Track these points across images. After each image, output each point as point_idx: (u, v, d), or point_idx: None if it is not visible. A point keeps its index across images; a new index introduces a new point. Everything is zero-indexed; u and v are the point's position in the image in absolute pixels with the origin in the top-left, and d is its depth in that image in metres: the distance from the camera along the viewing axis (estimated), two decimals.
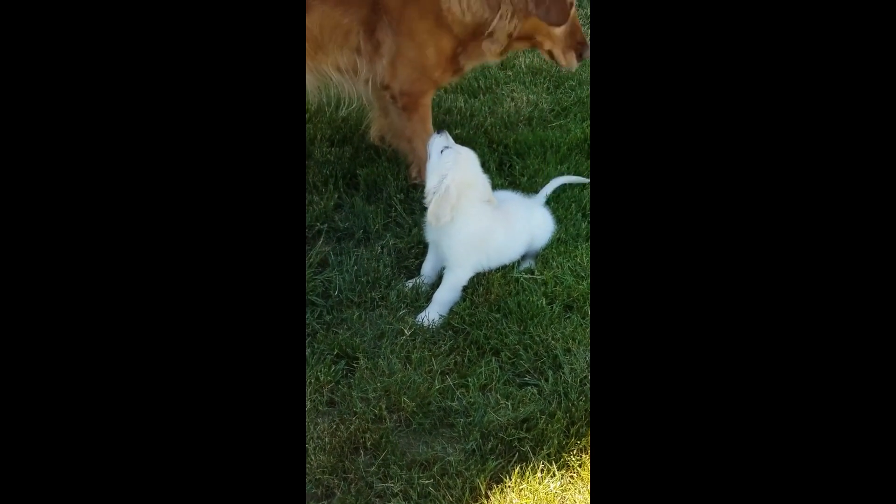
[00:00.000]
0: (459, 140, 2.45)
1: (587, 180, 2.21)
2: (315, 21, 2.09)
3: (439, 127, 2.02)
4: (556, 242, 2.02)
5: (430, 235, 1.90)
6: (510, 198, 2.03)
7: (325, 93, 2.28)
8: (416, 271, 1.97)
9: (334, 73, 2.19)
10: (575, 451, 1.49)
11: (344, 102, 2.30)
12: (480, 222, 1.84)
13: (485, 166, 2.07)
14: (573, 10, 2.14)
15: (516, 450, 1.50)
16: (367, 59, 2.16)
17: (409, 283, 1.91)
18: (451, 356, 1.70)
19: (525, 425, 1.54)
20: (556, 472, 1.45)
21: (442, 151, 1.86)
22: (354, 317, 1.80)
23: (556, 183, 2.18)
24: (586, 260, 1.95)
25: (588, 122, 2.56)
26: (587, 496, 1.41)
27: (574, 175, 2.25)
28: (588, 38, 2.24)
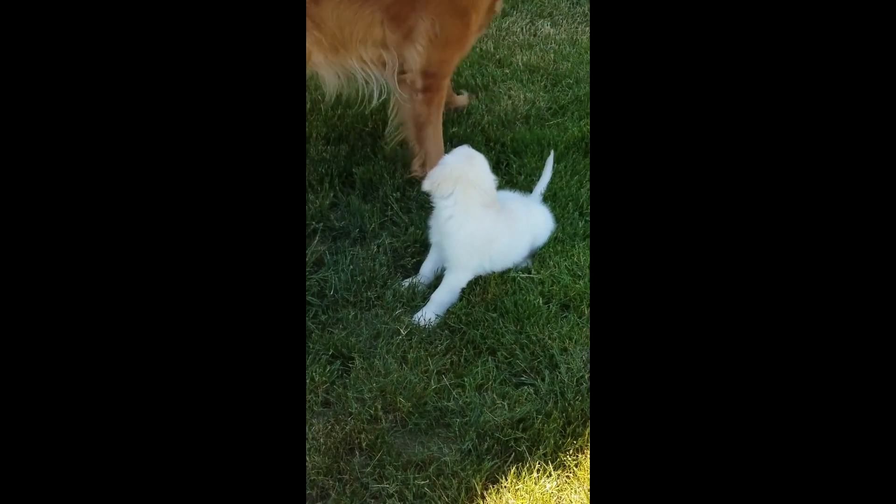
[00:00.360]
0: (456, 138, 2.45)
1: (550, 165, 2.18)
2: (330, 14, 2.03)
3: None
4: (553, 241, 2.01)
5: (434, 236, 1.90)
6: (510, 197, 2.02)
7: (350, 87, 2.23)
8: (413, 270, 1.96)
9: (358, 64, 2.15)
10: (571, 451, 1.49)
11: (372, 96, 2.25)
12: (483, 224, 1.84)
13: None
14: None
15: (512, 450, 1.49)
16: (393, 49, 2.10)
17: (406, 283, 1.91)
18: (448, 356, 1.70)
19: (521, 425, 1.53)
20: (553, 472, 1.45)
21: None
22: (350, 316, 1.79)
23: (546, 177, 2.16)
24: (583, 259, 1.94)
25: (585, 120, 2.55)
26: (583, 496, 1.41)
27: (549, 166, 2.22)
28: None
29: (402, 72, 2.13)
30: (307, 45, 2.06)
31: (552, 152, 2.21)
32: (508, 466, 1.46)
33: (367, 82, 2.19)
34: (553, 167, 2.19)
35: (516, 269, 1.93)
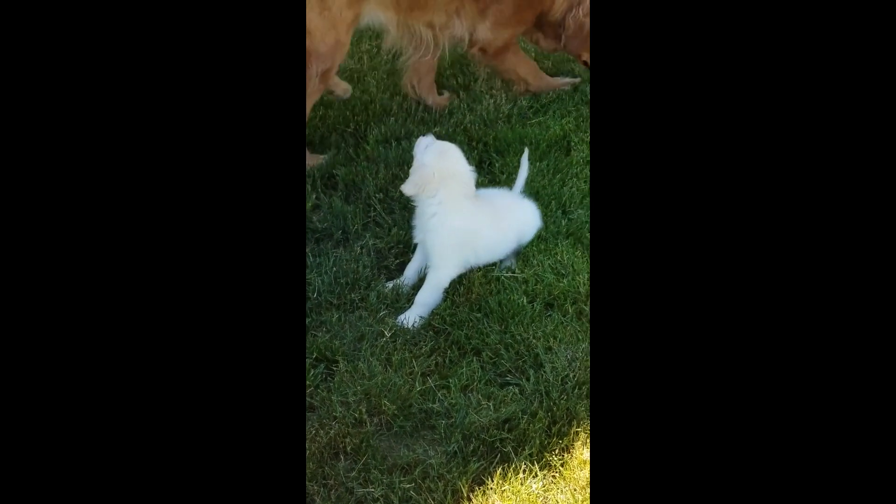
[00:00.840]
0: (438, 138, 2.44)
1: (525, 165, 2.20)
2: None
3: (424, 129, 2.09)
4: (536, 240, 2.01)
5: (418, 235, 1.89)
6: (495, 194, 2.02)
7: (403, 43, 2.51)
8: (397, 271, 1.95)
9: (424, 28, 2.45)
10: (557, 451, 1.49)
11: (407, 51, 2.53)
12: (468, 218, 1.84)
13: None
14: None
15: (498, 451, 1.48)
16: (465, 20, 2.47)
17: (389, 285, 1.89)
18: (432, 357, 1.69)
19: (507, 425, 1.53)
20: (539, 473, 1.45)
21: (426, 148, 1.91)
22: (334, 319, 1.78)
23: (523, 174, 2.16)
24: (567, 257, 1.94)
25: (567, 118, 2.56)
26: (569, 496, 1.41)
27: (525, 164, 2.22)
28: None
29: (471, 43, 2.57)
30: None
31: (525, 150, 2.21)
32: (494, 467, 1.45)
33: (423, 43, 2.51)
34: (529, 164, 2.18)
35: (500, 269, 1.92)
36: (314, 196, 2.21)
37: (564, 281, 1.87)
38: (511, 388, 1.62)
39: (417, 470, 1.43)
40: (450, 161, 1.86)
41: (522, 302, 1.81)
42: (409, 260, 1.96)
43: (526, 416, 1.53)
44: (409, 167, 2.27)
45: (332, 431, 1.50)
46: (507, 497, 1.41)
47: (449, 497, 1.39)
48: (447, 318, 1.78)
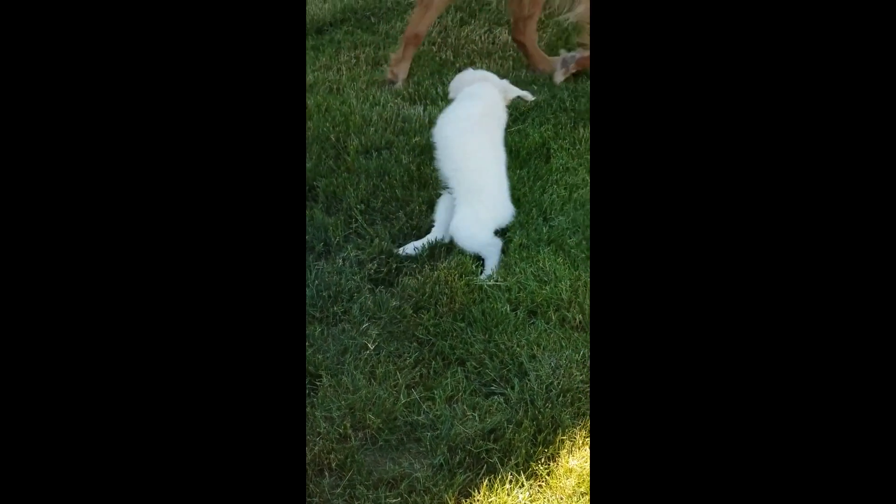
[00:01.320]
0: (419, 148, 2.44)
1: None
2: None
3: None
4: (518, 248, 2.01)
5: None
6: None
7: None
8: (380, 282, 1.94)
9: None
10: (543, 460, 1.48)
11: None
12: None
13: None
14: None
15: (484, 462, 1.48)
16: None
17: (414, 247, 2.01)
18: (417, 369, 1.68)
19: (492, 436, 1.52)
20: (525, 483, 1.44)
21: None
22: (316, 333, 1.77)
23: None
24: (549, 264, 1.94)
25: (546, 125, 2.57)
26: None
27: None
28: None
29: None
30: None
31: None
32: (480, 479, 1.44)
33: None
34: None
35: (481, 277, 1.92)
36: None
37: (547, 288, 1.87)
38: (496, 397, 1.62)
39: (403, 484, 1.42)
40: (493, 79, 2.26)
41: (506, 310, 1.81)
42: (392, 270, 1.95)
43: (511, 426, 1.53)
44: (388, 177, 2.29)
45: (317, 448, 1.49)
46: None
47: None
48: (431, 329, 1.77)
